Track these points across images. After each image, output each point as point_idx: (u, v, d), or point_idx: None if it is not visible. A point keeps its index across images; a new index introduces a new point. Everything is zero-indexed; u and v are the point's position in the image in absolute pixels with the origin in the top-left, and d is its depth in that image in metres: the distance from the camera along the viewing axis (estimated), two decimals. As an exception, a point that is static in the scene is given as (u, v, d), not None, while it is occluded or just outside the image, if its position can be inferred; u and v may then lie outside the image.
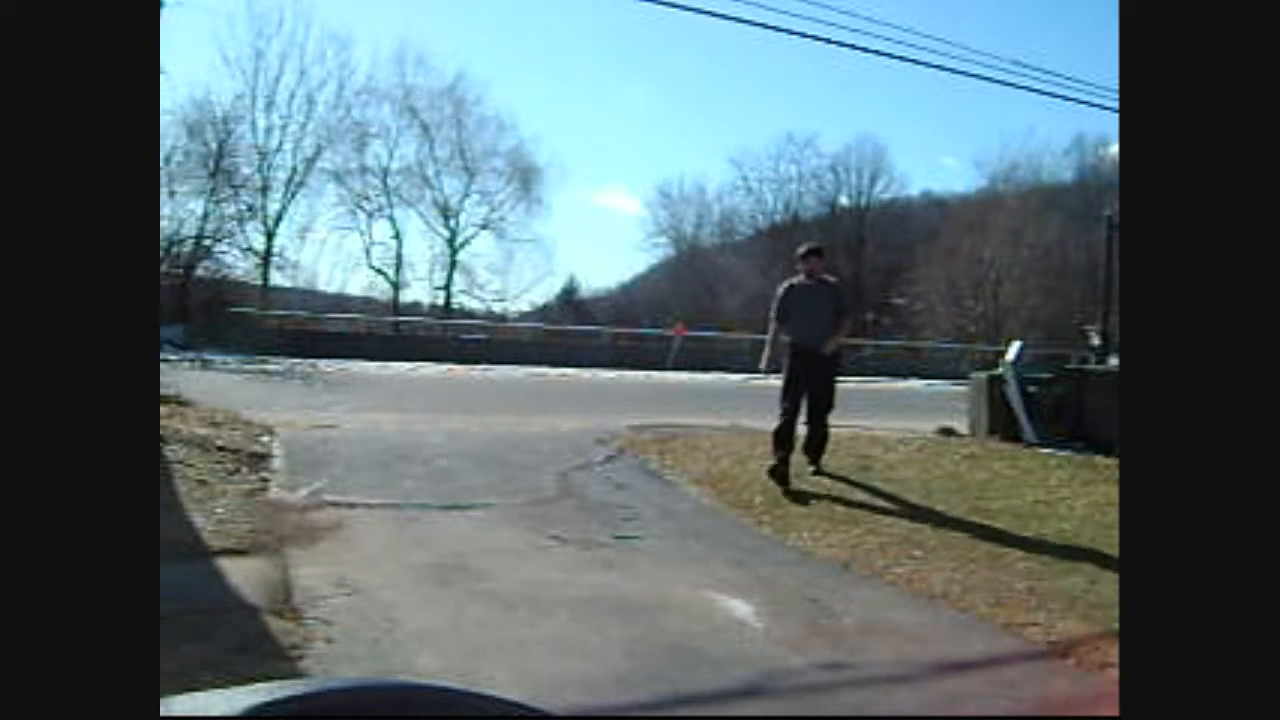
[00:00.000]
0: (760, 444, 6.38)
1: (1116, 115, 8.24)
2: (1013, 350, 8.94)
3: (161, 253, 21.51)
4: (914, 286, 34.92)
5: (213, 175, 25.95)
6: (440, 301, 34.17)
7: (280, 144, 30.22)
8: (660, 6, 8.02)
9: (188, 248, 24.54)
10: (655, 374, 18.37)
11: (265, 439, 6.76)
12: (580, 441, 7.39)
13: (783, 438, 6.25)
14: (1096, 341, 11.70)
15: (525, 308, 37.13)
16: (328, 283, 35.55)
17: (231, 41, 32.80)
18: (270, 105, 29.92)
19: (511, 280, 35.85)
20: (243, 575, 3.84)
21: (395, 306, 32.84)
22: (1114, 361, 10.10)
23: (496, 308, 35.08)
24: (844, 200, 39.75)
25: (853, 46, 8.72)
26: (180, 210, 24.70)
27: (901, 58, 9.16)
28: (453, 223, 34.08)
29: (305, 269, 33.55)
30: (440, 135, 33.58)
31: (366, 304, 33.52)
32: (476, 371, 17.06)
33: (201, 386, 9.84)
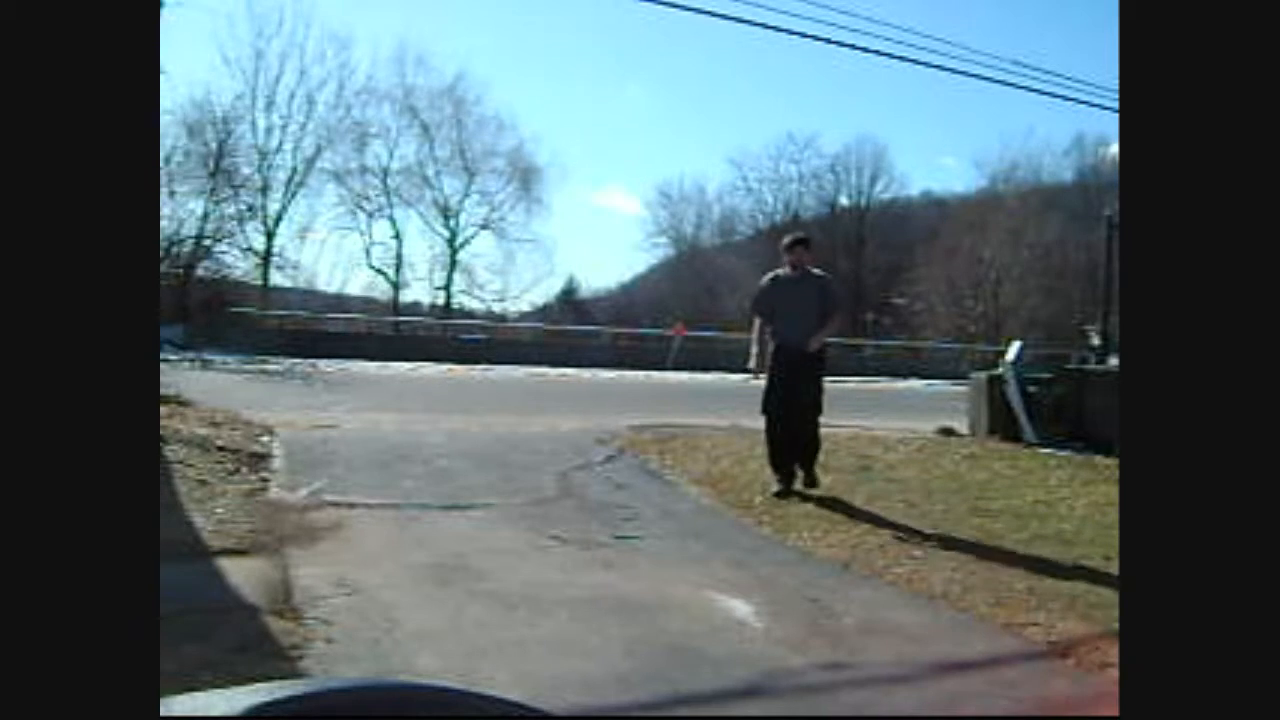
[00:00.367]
0: (760, 444, 6.37)
1: (1116, 115, 8.25)
2: (1013, 350, 8.95)
3: (161, 253, 21.50)
4: (914, 286, 34.94)
5: (213, 175, 25.96)
6: (440, 301, 34.21)
7: (280, 144, 30.29)
8: (660, 6, 8.04)
9: (188, 248, 24.54)
10: (655, 374, 18.39)
11: (265, 439, 6.76)
12: (580, 441, 7.39)
13: (773, 452, 5.94)
14: (1096, 341, 11.70)
15: (525, 308, 37.21)
16: (328, 283, 35.63)
17: (231, 41, 32.91)
18: (270, 105, 29.99)
19: (511, 280, 35.90)
20: (243, 575, 3.84)
21: (395, 306, 32.86)
22: (1114, 361, 10.10)
23: (496, 308, 35.14)
24: (844, 200, 39.82)
25: (853, 46, 8.74)
26: (180, 210, 24.75)
27: (901, 58, 9.19)
28: (453, 223, 34.14)
29: (305, 269, 33.61)
30: (440, 135, 33.64)
31: (366, 304, 33.55)
32: (476, 371, 17.06)
33: (201, 386, 9.84)
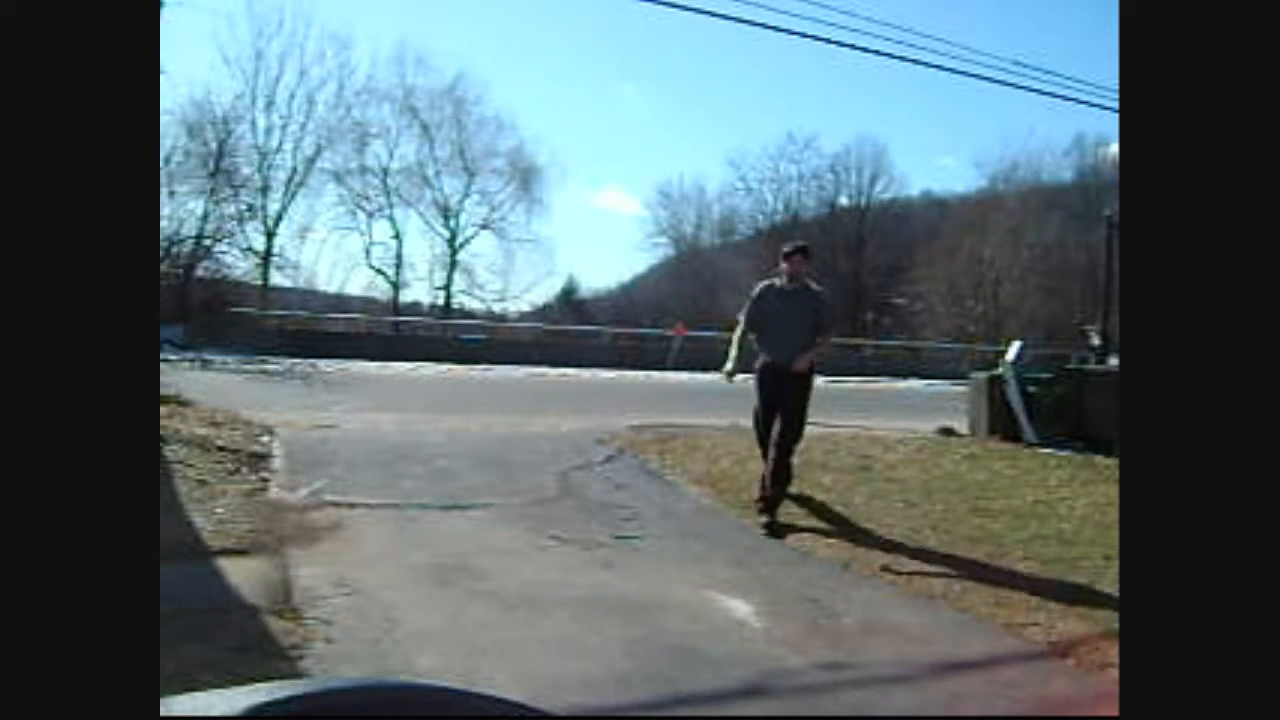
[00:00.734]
0: (760, 444, 6.36)
1: (1116, 115, 8.25)
2: (1013, 350, 8.95)
3: (161, 253, 21.51)
4: (914, 286, 34.95)
5: (213, 175, 25.94)
6: (440, 301, 34.18)
7: (280, 144, 30.24)
8: (660, 6, 8.03)
9: (188, 248, 24.52)
10: (655, 374, 18.38)
11: (265, 439, 6.76)
12: (580, 441, 7.39)
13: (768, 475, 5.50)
14: (1096, 341, 11.69)
15: (525, 308, 37.17)
16: (328, 283, 35.57)
17: (231, 41, 32.94)
18: (270, 105, 29.93)
19: (511, 280, 35.83)
20: (243, 575, 3.84)
21: (395, 306, 32.84)
22: (1114, 361, 10.11)
23: (496, 308, 35.10)
24: (844, 200, 39.73)
25: (853, 46, 8.74)
26: (180, 210, 24.70)
27: (901, 58, 9.18)
28: (453, 223, 34.11)
29: (305, 269, 33.56)
30: (440, 135, 33.59)
31: (366, 304, 33.51)
32: (476, 371, 17.05)
33: (201, 386, 9.84)
